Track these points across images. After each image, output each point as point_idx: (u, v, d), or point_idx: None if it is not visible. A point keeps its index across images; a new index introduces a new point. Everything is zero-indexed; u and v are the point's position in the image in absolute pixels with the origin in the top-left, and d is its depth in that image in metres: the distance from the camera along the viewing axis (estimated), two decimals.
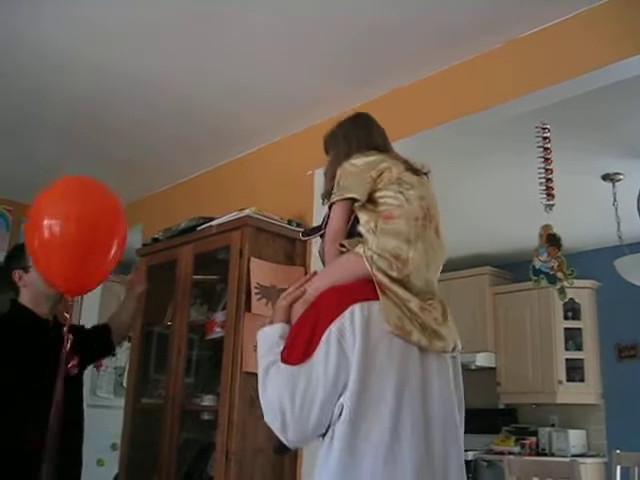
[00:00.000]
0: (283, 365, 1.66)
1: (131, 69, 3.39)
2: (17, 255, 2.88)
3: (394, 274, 1.68)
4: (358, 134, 2.00)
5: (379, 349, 1.60)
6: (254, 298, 3.28)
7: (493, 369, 6.55)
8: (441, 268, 1.81)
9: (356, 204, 1.80)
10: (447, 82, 3.28)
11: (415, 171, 1.87)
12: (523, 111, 3.09)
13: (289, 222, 3.57)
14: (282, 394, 1.62)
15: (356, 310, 1.61)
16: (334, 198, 1.84)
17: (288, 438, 1.64)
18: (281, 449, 1.75)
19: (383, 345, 1.60)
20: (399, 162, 1.87)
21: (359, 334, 1.59)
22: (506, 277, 6.81)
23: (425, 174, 1.91)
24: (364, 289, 1.66)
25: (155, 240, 4.00)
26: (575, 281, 5.88)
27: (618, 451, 4.65)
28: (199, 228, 3.66)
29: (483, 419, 6.09)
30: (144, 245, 4.19)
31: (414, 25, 2.94)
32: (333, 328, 1.60)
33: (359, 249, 1.74)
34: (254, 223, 3.41)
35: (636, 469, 4.35)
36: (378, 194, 1.80)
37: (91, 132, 4.23)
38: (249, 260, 3.33)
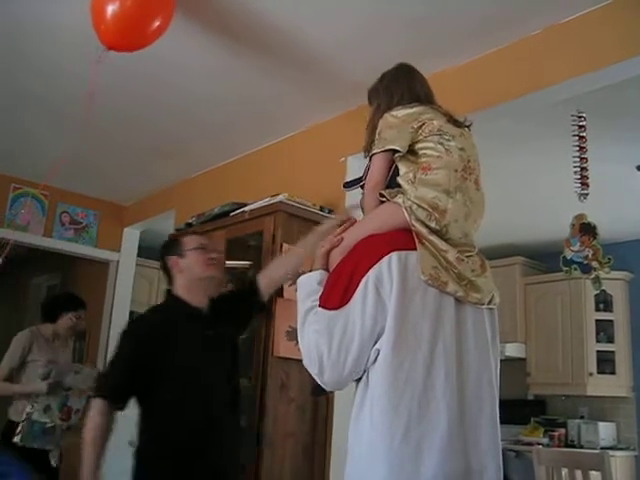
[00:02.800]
0: (321, 310, 1.68)
1: (161, 54, 3.42)
2: (173, 244, 2.99)
3: (432, 224, 1.69)
4: (400, 85, 1.99)
5: (415, 298, 1.61)
6: (286, 284, 3.31)
7: (523, 360, 6.51)
8: (480, 221, 1.79)
9: (396, 155, 1.81)
10: (483, 69, 3.27)
11: (457, 123, 1.87)
12: (560, 98, 3.07)
13: (321, 208, 3.59)
14: (320, 338, 1.64)
15: (393, 258, 1.62)
16: (375, 150, 1.85)
17: (325, 381, 1.67)
18: (318, 391, 1.78)
19: (418, 294, 1.62)
20: (440, 113, 1.86)
21: (396, 282, 1.60)
22: (538, 267, 6.75)
23: (467, 127, 1.91)
24: (402, 238, 1.68)
25: (188, 225, 4.05)
26: (608, 273, 5.91)
27: None
28: (232, 214, 3.70)
29: (512, 410, 6.05)
30: (177, 230, 4.24)
31: (453, 12, 2.94)
32: (371, 275, 1.61)
33: (398, 199, 1.74)
34: (286, 209, 3.43)
35: None
36: (419, 145, 1.80)
37: (126, 122, 4.28)
38: (281, 246, 3.36)
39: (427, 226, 1.69)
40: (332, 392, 1.92)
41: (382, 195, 1.80)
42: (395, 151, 1.81)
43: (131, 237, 6.04)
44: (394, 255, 1.63)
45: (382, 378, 1.59)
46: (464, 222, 1.72)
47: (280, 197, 3.42)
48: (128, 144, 4.69)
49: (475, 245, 1.78)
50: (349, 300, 1.63)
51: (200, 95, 3.89)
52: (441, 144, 1.78)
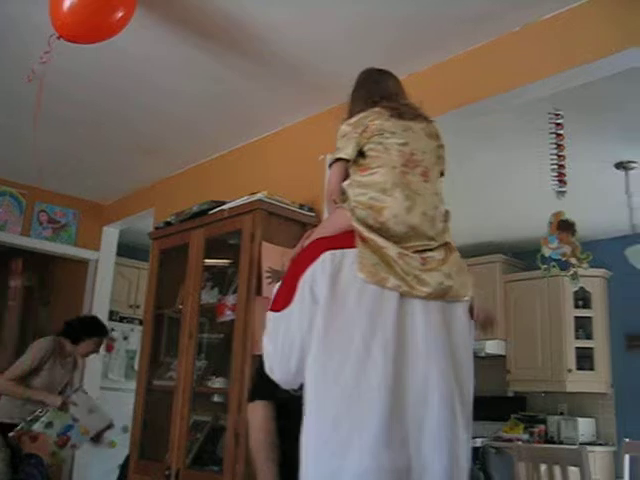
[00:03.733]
0: (269, 313, 1.80)
1: (140, 51, 3.39)
2: None
3: (371, 222, 1.73)
4: (359, 93, 2.07)
5: (349, 295, 1.66)
6: (265, 282, 3.30)
7: (503, 357, 6.54)
8: (438, 211, 1.80)
9: (348, 163, 1.88)
10: (461, 67, 3.28)
11: (403, 116, 1.89)
12: (538, 96, 3.08)
13: (300, 206, 3.58)
14: (268, 339, 1.78)
15: (327, 258, 1.69)
16: (329, 161, 1.96)
17: (277, 380, 1.78)
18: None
19: (354, 291, 1.66)
20: (387, 111, 1.89)
21: (327, 281, 1.66)
22: (518, 265, 6.79)
23: (425, 118, 1.94)
24: (344, 239, 1.73)
25: (167, 223, 4.02)
26: (587, 269, 5.95)
27: (627, 440, 4.65)
28: (211, 212, 3.68)
29: (492, 407, 6.09)
30: (156, 228, 4.22)
31: (431, 11, 2.94)
32: (307, 275, 1.70)
33: (344, 203, 1.82)
34: (265, 207, 3.42)
35: None
36: (365, 148, 1.86)
37: (103, 119, 4.24)
38: (260, 244, 3.34)
39: (367, 225, 1.73)
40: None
41: (336, 202, 1.89)
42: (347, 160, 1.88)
43: (110, 236, 5.99)
44: (327, 254, 1.70)
45: (311, 376, 1.65)
46: (406, 216, 1.73)
47: (259, 195, 3.41)
48: (107, 143, 4.66)
49: (436, 237, 1.78)
50: (291, 301, 1.72)
51: (180, 94, 3.87)
52: (380, 143, 1.83)
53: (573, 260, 2.51)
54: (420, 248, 1.73)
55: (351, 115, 1.97)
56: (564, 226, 2.58)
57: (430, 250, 1.74)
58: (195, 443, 3.67)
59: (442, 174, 1.95)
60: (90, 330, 4.30)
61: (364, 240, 1.71)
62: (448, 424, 1.64)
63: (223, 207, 3.60)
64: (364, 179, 1.80)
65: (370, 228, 1.72)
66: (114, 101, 3.99)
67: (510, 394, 6.65)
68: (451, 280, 1.72)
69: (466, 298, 1.77)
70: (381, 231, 1.72)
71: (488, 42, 3.14)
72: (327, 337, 1.63)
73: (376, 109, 1.90)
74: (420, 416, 1.63)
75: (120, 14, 2.66)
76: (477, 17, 2.98)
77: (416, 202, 1.75)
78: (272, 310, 1.79)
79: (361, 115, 1.90)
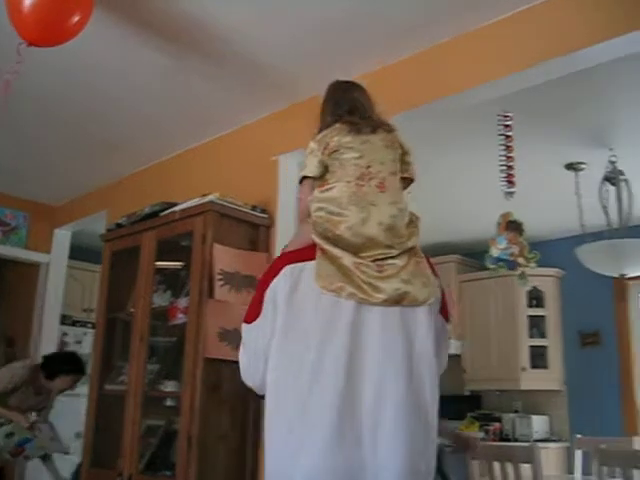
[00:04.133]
0: (243, 325, 1.90)
1: (94, 54, 3.34)
2: None
3: (329, 235, 1.79)
4: (325, 109, 2.09)
5: (306, 306, 1.75)
6: (217, 284, 3.28)
7: (458, 356, 6.59)
8: (397, 219, 1.81)
9: (315, 180, 1.94)
10: (413, 68, 3.29)
11: (362, 131, 1.93)
12: (488, 98, 3.11)
13: (253, 208, 3.56)
14: (241, 349, 1.92)
15: (287, 271, 1.79)
16: (299, 180, 2.00)
17: (250, 386, 1.91)
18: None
19: (311, 302, 1.74)
20: (346, 126, 1.94)
21: (286, 292, 1.76)
22: (472, 265, 6.85)
23: (379, 129, 1.96)
24: (306, 252, 1.81)
25: (119, 225, 3.97)
26: (539, 269, 6.01)
27: (579, 436, 4.73)
28: (162, 214, 3.64)
29: (449, 406, 5.99)
30: (108, 230, 4.15)
31: (383, 12, 2.94)
32: (270, 288, 1.81)
33: (308, 218, 1.89)
34: (217, 209, 3.39)
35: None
36: (328, 164, 1.91)
37: (54, 120, 4.16)
38: (212, 246, 3.32)
39: (325, 237, 1.80)
40: None
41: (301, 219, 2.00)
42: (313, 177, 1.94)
43: (62, 238, 5.88)
44: (288, 268, 1.80)
45: (270, 382, 1.75)
46: (361, 227, 1.78)
47: (210, 197, 3.38)
48: (59, 144, 4.56)
49: (397, 244, 1.80)
50: (259, 313, 1.82)
51: (135, 95, 3.81)
52: (337, 159, 1.89)
53: (521, 260, 2.53)
54: (380, 257, 1.77)
55: (320, 128, 2.02)
56: (512, 227, 2.61)
57: (392, 257, 1.78)
58: (148, 448, 3.63)
59: (412, 180, 2.00)
60: (68, 367, 4.26)
61: (323, 252, 1.78)
62: (404, 426, 1.68)
63: (175, 209, 3.57)
64: (322, 195, 1.86)
65: (328, 240, 1.79)
66: (66, 102, 3.91)
67: (466, 393, 6.71)
68: (409, 286, 1.76)
69: (429, 302, 1.79)
70: (338, 243, 1.78)
71: (437, 44, 3.16)
72: (285, 346, 1.73)
73: (337, 125, 1.95)
74: (376, 418, 1.67)
75: (77, 17, 2.62)
76: (427, 19, 2.99)
77: (371, 213, 1.79)
78: (244, 322, 1.89)
79: (324, 132, 1.96)
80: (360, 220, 1.78)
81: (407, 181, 1.98)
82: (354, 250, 1.77)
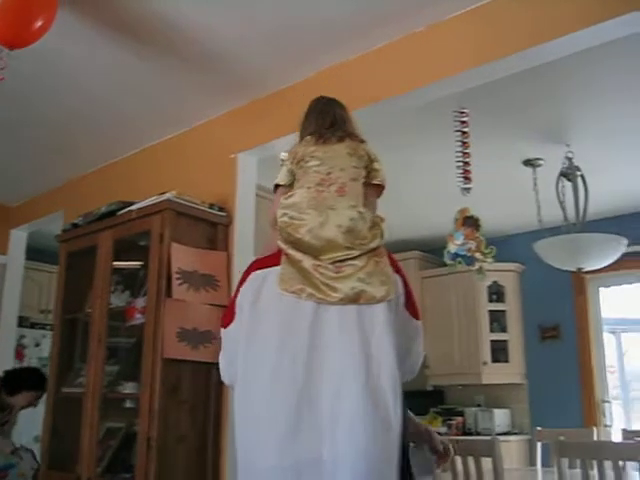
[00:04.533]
0: (221, 329, 2.03)
1: (47, 53, 3.27)
2: None
3: (292, 239, 1.90)
4: (302, 123, 2.23)
5: (270, 308, 1.86)
6: (175, 283, 3.24)
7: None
8: (357, 221, 1.89)
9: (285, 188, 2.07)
10: (363, 67, 3.29)
11: (326, 141, 2.06)
12: (444, 94, 3.12)
13: (211, 206, 3.53)
14: (220, 353, 2.04)
15: (252, 277, 1.94)
16: (273, 189, 2.14)
17: (229, 386, 2.03)
18: None
19: (274, 304, 1.86)
20: (313, 137, 2.08)
21: (251, 297, 1.90)
22: (433, 262, 6.88)
23: (346, 139, 2.08)
24: (274, 258, 1.93)
25: (74, 225, 3.91)
26: (499, 264, 6.08)
27: (539, 428, 4.79)
28: (119, 213, 3.59)
29: (412, 401, 6.03)
30: (63, 231, 4.08)
31: (337, 9, 2.94)
32: (239, 294, 1.95)
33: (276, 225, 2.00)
34: (174, 207, 3.36)
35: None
36: (296, 173, 2.06)
37: (11, 117, 4.06)
38: (169, 245, 3.28)
39: (288, 242, 1.91)
40: None
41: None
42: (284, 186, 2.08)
43: (18, 239, 5.75)
44: (253, 274, 1.94)
45: (239, 381, 1.87)
46: (320, 230, 1.88)
47: (167, 195, 3.34)
48: (14, 142, 4.45)
49: (357, 246, 1.88)
50: (233, 319, 1.95)
51: (88, 91, 3.74)
52: (301, 168, 2.03)
53: (478, 255, 2.55)
54: (340, 258, 1.86)
55: (301, 137, 2.16)
56: (469, 222, 2.62)
57: (352, 259, 1.86)
58: (108, 450, 3.58)
59: (382, 186, 2.10)
60: (30, 383, 4.11)
61: (287, 256, 1.89)
62: (362, 422, 1.74)
63: (131, 208, 3.52)
64: (285, 201, 1.98)
65: (291, 244, 1.90)
66: (22, 100, 3.82)
67: (429, 388, 6.76)
68: (365, 285, 1.83)
69: (387, 299, 1.85)
70: (299, 246, 1.88)
71: (392, 42, 3.17)
72: (249, 348, 1.85)
73: (307, 138, 2.09)
74: (335, 415, 1.74)
75: (41, 21, 2.58)
76: (381, 18, 3.00)
77: (330, 217, 1.89)
78: (222, 327, 2.01)
79: (295, 144, 2.13)
80: (319, 223, 1.88)
81: (378, 188, 2.09)
82: (316, 253, 1.86)
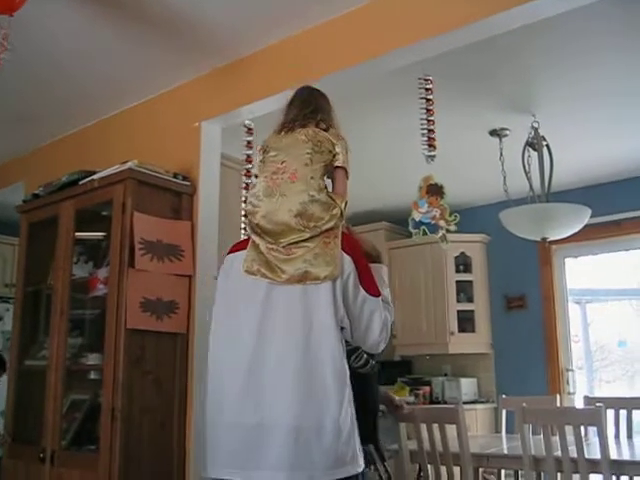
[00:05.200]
0: None
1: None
2: None
3: (252, 225, 2.12)
4: (283, 113, 2.37)
5: (236, 287, 2.12)
6: (138, 253, 3.20)
7: None
8: (307, 205, 2.03)
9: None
10: (328, 34, 3.25)
11: (288, 131, 2.24)
12: (409, 62, 3.09)
13: (175, 175, 3.48)
14: None
15: (226, 259, 2.23)
16: None
17: None
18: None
19: (239, 283, 2.10)
20: (278, 128, 2.28)
21: (222, 277, 2.20)
22: (401, 232, 6.88)
23: (305, 127, 2.23)
24: (244, 243, 2.18)
25: (35, 196, 3.83)
26: (466, 235, 6.13)
27: (504, 396, 4.86)
28: (81, 182, 3.53)
29: (380, 371, 6.18)
30: (24, 202, 4.00)
31: None
32: (218, 276, 2.25)
33: None
34: (137, 176, 3.30)
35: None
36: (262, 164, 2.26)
37: None
38: (132, 214, 3.23)
39: (250, 227, 2.14)
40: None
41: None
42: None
43: None
44: (226, 257, 2.24)
45: (210, 348, 2.15)
46: (273, 215, 2.06)
47: (129, 164, 3.29)
48: None
49: (309, 228, 2.03)
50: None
51: (50, 58, 3.64)
52: (262, 160, 2.23)
53: (442, 223, 2.55)
54: (294, 240, 2.04)
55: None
56: (433, 190, 2.62)
57: (304, 240, 2.03)
58: (73, 423, 3.55)
59: (344, 168, 2.22)
60: None
61: (252, 241, 2.12)
62: (299, 389, 1.94)
63: (93, 177, 3.45)
64: (250, 191, 2.22)
65: (252, 230, 2.13)
66: None
67: (396, 358, 6.82)
68: (310, 266, 2.01)
69: (332, 278, 2.00)
70: (257, 230, 2.09)
71: (357, 8, 3.12)
72: (218, 319, 2.15)
73: (275, 128, 2.30)
74: (275, 381, 1.96)
75: None
76: None
77: (283, 202, 2.06)
78: None
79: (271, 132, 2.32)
80: (272, 209, 2.07)
81: (341, 169, 2.22)
82: (273, 236, 2.06)
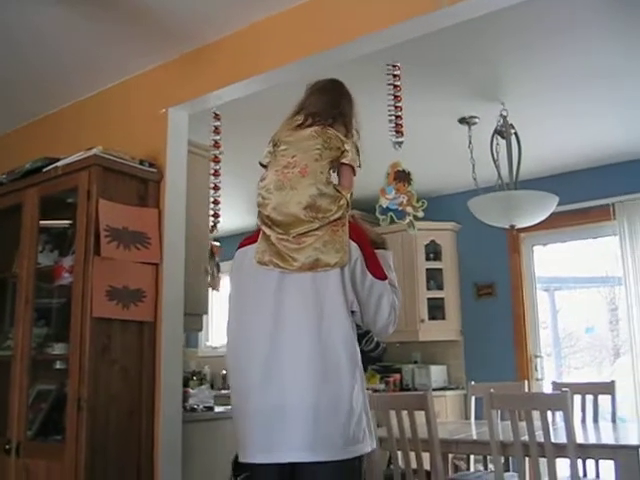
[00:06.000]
0: None
1: None
2: None
3: (263, 217, 2.20)
4: (301, 102, 2.44)
5: (249, 277, 2.20)
6: (103, 241, 3.16)
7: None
8: (316, 197, 2.13)
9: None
10: (294, 20, 3.22)
11: (299, 126, 2.31)
12: (374, 49, 3.07)
13: (141, 162, 3.44)
14: None
15: (237, 254, 2.31)
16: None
17: None
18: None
19: (252, 273, 2.18)
20: (288, 122, 2.35)
21: (235, 269, 2.30)
22: (372, 220, 6.85)
23: (315, 124, 2.30)
24: (255, 236, 2.24)
25: None
26: (436, 223, 6.16)
27: (473, 383, 4.90)
28: (45, 170, 3.47)
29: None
30: None
31: None
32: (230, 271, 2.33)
33: None
34: (102, 163, 3.26)
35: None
36: (272, 157, 2.32)
37: None
38: (97, 201, 3.19)
39: (261, 220, 2.21)
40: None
41: None
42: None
43: None
44: (236, 252, 2.31)
45: (227, 340, 2.25)
46: (285, 207, 2.15)
47: (94, 150, 3.24)
48: None
49: (318, 219, 2.11)
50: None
51: (11, 44, 3.56)
52: (271, 153, 2.32)
53: (409, 209, 2.55)
54: (303, 231, 2.11)
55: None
56: (401, 176, 2.62)
57: (314, 230, 2.11)
58: (39, 413, 3.51)
59: (350, 166, 2.30)
60: None
61: (262, 232, 2.19)
62: (315, 370, 2.03)
63: (57, 164, 3.40)
64: (261, 183, 2.25)
65: (262, 221, 2.20)
66: None
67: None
68: (320, 253, 2.09)
69: (341, 265, 2.09)
70: (268, 222, 2.17)
71: None
72: (233, 312, 2.24)
73: (288, 121, 2.36)
74: (293, 364, 2.05)
75: None
76: None
77: (293, 196, 2.14)
78: None
79: (283, 122, 2.38)
80: (283, 202, 2.15)
81: (348, 166, 2.30)
82: (284, 227, 2.14)
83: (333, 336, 2.06)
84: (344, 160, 2.29)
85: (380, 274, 2.17)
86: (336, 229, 2.12)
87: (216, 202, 3.42)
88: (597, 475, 4.04)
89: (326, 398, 2.01)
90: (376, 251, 2.24)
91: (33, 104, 4.37)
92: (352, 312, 2.11)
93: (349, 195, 2.21)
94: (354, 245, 2.14)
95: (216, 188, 3.42)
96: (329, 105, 2.39)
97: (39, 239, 3.56)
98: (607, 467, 3.91)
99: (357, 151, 2.36)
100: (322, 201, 2.13)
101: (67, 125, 4.27)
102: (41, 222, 3.55)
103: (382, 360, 2.45)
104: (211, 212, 3.58)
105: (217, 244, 3.51)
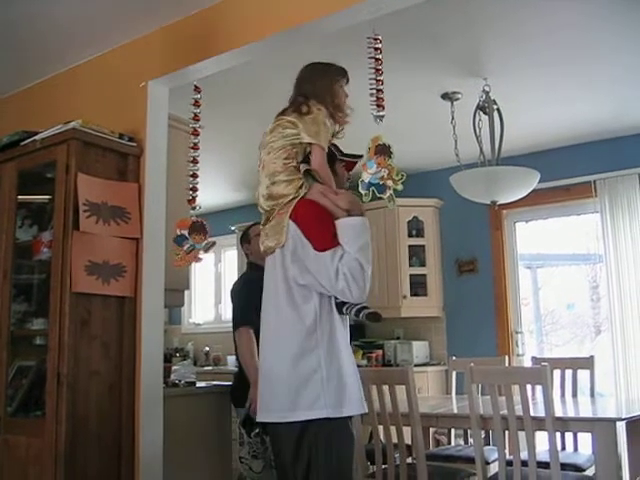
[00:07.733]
0: None
1: None
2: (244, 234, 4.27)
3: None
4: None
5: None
6: (82, 216, 3.13)
7: None
8: (271, 187, 2.39)
9: None
10: None
11: (282, 113, 2.47)
12: (353, 22, 3.04)
13: (120, 136, 3.40)
14: None
15: None
16: None
17: None
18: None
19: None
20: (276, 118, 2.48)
21: None
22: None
23: (280, 115, 2.47)
24: None
25: None
26: (419, 200, 6.16)
27: (454, 358, 4.94)
28: (22, 143, 3.43)
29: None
30: None
31: None
32: None
33: None
34: (81, 137, 3.22)
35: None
36: None
37: None
38: (76, 176, 3.15)
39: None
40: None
41: None
42: None
43: None
44: None
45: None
46: (257, 201, 2.47)
47: (73, 124, 3.20)
48: None
49: (273, 206, 2.38)
50: None
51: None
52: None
53: (389, 182, 2.53)
54: (270, 220, 2.39)
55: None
56: (381, 150, 2.59)
57: (273, 218, 2.38)
58: (20, 389, 3.49)
59: (306, 143, 2.39)
60: None
61: None
62: (274, 339, 2.32)
63: (35, 137, 3.35)
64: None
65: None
66: None
67: (351, 323, 6.80)
68: (267, 239, 2.38)
69: (280, 245, 2.31)
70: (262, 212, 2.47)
71: None
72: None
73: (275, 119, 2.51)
74: (266, 337, 2.39)
75: None
76: None
77: (258, 190, 2.45)
78: None
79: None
80: (260, 195, 2.43)
81: (313, 146, 2.39)
82: (266, 218, 2.43)
83: (284, 309, 2.29)
84: (303, 140, 2.38)
85: (320, 246, 2.23)
86: (282, 211, 2.34)
87: (194, 175, 3.38)
88: (575, 448, 4.10)
89: (278, 364, 2.26)
90: (338, 221, 2.28)
91: (8, 77, 4.29)
92: (303, 285, 2.26)
93: (322, 172, 2.38)
94: (292, 224, 2.28)
95: (195, 161, 3.38)
96: (293, 94, 2.53)
97: (18, 214, 3.51)
98: (585, 440, 3.98)
99: (327, 123, 2.44)
100: (276, 188, 2.36)
101: (44, 99, 4.20)
102: (20, 197, 3.51)
103: (380, 321, 2.44)
104: (190, 185, 3.54)
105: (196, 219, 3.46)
